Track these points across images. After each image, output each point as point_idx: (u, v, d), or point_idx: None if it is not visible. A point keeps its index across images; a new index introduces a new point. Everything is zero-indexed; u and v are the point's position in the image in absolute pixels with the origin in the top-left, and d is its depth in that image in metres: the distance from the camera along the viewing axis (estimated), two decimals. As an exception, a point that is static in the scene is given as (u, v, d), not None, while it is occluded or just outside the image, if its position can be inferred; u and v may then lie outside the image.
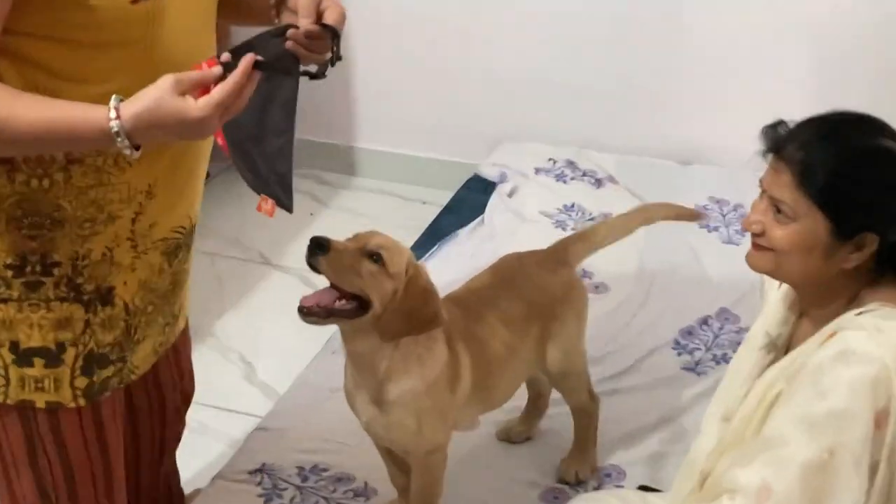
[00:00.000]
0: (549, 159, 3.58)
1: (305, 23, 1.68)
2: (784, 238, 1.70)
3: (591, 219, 3.30)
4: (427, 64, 3.85)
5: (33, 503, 1.93)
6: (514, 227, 3.21)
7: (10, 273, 1.70)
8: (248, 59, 1.55)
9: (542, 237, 2.88)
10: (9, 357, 1.74)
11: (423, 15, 3.78)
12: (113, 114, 1.49)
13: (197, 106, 1.51)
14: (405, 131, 3.99)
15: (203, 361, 2.86)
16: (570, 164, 3.56)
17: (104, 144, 1.55)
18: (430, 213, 3.46)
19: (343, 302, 1.95)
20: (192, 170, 1.84)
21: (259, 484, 2.41)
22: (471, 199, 3.46)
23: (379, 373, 2.03)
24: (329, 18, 1.71)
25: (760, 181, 1.75)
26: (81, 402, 1.80)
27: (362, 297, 1.95)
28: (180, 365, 2.13)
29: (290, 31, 1.66)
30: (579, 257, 2.39)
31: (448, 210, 3.44)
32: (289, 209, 1.82)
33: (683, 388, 2.57)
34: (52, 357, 1.76)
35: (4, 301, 1.72)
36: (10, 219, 1.67)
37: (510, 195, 3.43)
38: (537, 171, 3.53)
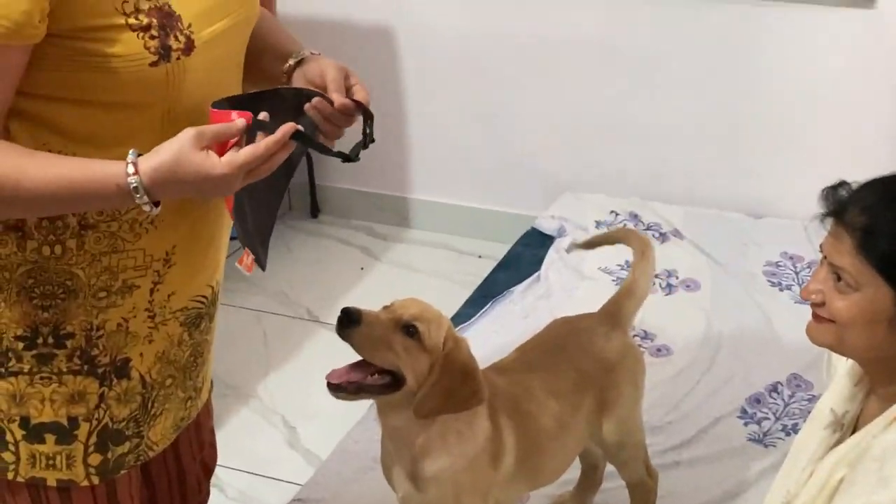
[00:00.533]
0: (611, 212, 3.57)
1: (338, 98, 1.67)
2: (846, 309, 1.66)
3: (657, 277, 3.21)
4: (482, 111, 3.85)
5: None
6: (573, 285, 3.18)
7: (20, 345, 1.68)
8: (287, 128, 1.53)
9: (601, 296, 2.72)
10: (19, 433, 1.72)
11: (478, 62, 3.79)
12: (131, 169, 1.48)
13: (220, 163, 1.50)
14: (460, 182, 3.98)
15: (245, 425, 2.88)
16: (634, 216, 3.54)
17: (122, 202, 1.53)
18: (485, 268, 3.43)
19: (375, 377, 1.91)
20: (214, 235, 1.80)
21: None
22: (527, 253, 3.43)
23: (415, 448, 1.98)
24: (359, 96, 1.71)
25: (820, 247, 1.71)
26: (95, 480, 1.77)
27: (396, 373, 1.91)
28: (201, 437, 2.08)
29: (316, 101, 1.63)
30: (631, 316, 2.35)
31: (503, 265, 3.40)
32: (262, 267, 1.75)
33: (750, 460, 2.51)
34: (65, 433, 1.73)
35: (14, 374, 1.69)
36: (21, 288, 1.66)
37: (569, 251, 3.35)
38: (598, 224, 3.50)
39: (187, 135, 1.49)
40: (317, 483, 2.56)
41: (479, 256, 3.69)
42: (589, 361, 2.21)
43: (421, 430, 1.97)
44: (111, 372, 1.73)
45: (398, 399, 1.92)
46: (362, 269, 3.76)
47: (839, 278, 1.66)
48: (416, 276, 3.64)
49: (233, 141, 1.52)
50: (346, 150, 1.64)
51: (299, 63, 1.77)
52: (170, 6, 1.59)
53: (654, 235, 3.45)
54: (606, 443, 2.25)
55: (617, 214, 3.56)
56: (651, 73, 3.64)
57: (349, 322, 1.84)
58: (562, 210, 3.62)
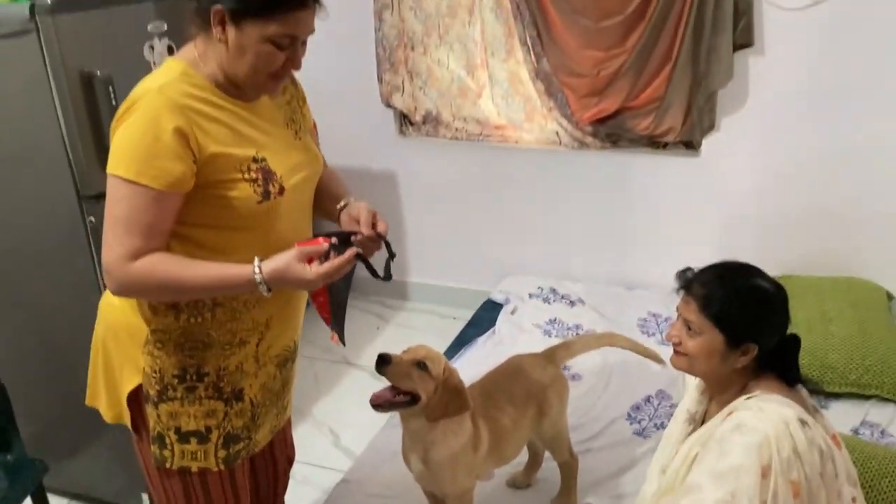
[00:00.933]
0: (539, 287, 3.47)
1: (367, 231, 1.66)
2: (694, 347, 1.66)
3: (569, 329, 3.16)
4: (457, 226, 3.73)
5: None
6: (516, 336, 3.10)
7: (175, 381, 1.66)
8: (352, 252, 1.54)
9: (534, 343, 2.84)
10: (174, 437, 1.69)
11: (454, 193, 3.66)
12: (257, 270, 1.49)
13: (312, 271, 1.49)
14: (442, 269, 3.84)
15: (305, 433, 2.86)
16: (553, 290, 3.44)
17: (248, 289, 1.52)
18: (458, 327, 3.35)
19: (400, 397, 1.89)
20: (297, 308, 1.80)
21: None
22: (486, 316, 3.34)
23: (426, 442, 1.96)
24: (380, 228, 1.69)
25: (677, 308, 1.70)
26: (222, 466, 1.74)
27: (414, 393, 1.89)
28: (286, 440, 2.05)
29: (356, 238, 1.63)
30: (562, 360, 2.33)
31: (471, 324, 3.32)
32: (343, 342, 1.77)
33: (635, 447, 2.47)
34: (203, 437, 1.71)
35: (172, 400, 1.67)
36: (176, 344, 1.64)
37: (512, 313, 3.31)
38: (531, 295, 3.41)
39: (293, 252, 1.50)
40: (356, 469, 2.51)
41: (454, 319, 3.60)
42: (532, 383, 2.19)
43: (430, 429, 1.95)
44: (232, 398, 1.72)
45: (415, 411, 1.91)
46: (377, 328, 3.68)
47: (689, 328, 1.67)
48: (414, 332, 3.59)
49: (319, 259, 1.52)
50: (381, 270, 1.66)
51: (345, 206, 1.76)
52: (268, 165, 1.58)
53: (566, 303, 3.35)
54: (544, 437, 2.23)
55: (542, 289, 3.44)
56: (558, 202, 3.51)
57: (383, 362, 1.84)
58: (507, 286, 3.53)
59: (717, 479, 1.52)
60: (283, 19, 1.46)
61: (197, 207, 1.53)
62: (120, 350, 1.68)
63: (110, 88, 2.09)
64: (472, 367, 2.61)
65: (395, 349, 1.95)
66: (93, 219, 2.16)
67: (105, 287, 1.60)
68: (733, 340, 1.61)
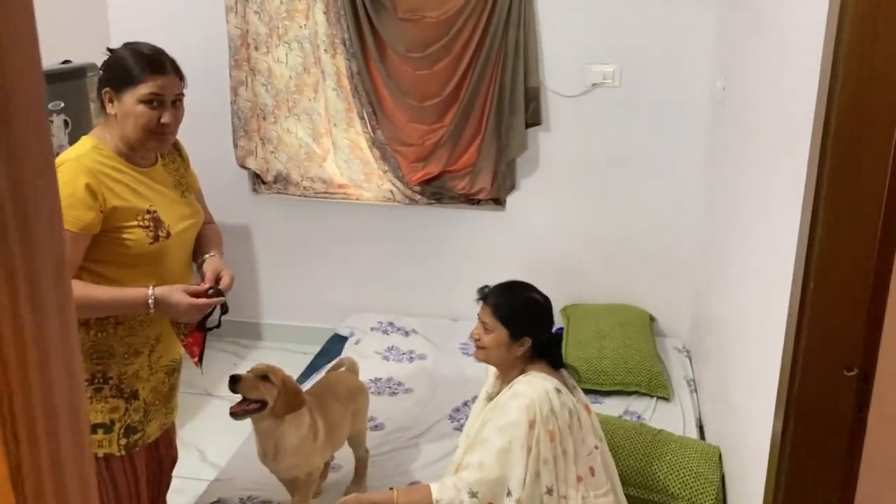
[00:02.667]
0: (379, 322, 3.81)
1: (208, 284, 1.95)
2: (489, 341, 2.11)
3: (403, 354, 3.51)
4: (304, 268, 4.02)
5: None
6: (359, 362, 3.18)
7: (85, 384, 1.88)
8: (219, 299, 1.92)
9: (376, 367, 3.26)
10: None
11: (299, 239, 3.98)
12: (150, 292, 1.81)
13: (186, 301, 1.84)
14: (293, 310, 4.12)
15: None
16: (391, 323, 3.80)
17: (142, 308, 1.82)
18: (308, 360, 3.58)
19: (252, 405, 2.17)
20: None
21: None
22: (333, 348, 3.62)
23: (275, 437, 2.22)
24: (223, 283, 1.97)
25: (478, 315, 2.15)
26: (123, 452, 1.97)
27: (262, 400, 2.16)
28: (171, 442, 2.27)
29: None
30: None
31: (319, 355, 3.58)
32: (201, 368, 2.09)
33: (454, 439, 2.70)
34: (108, 428, 1.94)
35: None
36: (86, 355, 1.89)
37: (356, 343, 3.63)
38: (371, 329, 3.75)
39: (180, 285, 1.86)
40: (226, 471, 2.75)
41: (304, 353, 3.78)
42: (348, 389, 2.52)
43: (277, 426, 2.21)
44: (130, 397, 1.96)
45: (265, 414, 2.19)
46: (234, 364, 3.89)
47: (485, 328, 2.12)
48: None
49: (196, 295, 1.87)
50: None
51: (204, 260, 2.05)
52: (159, 216, 1.90)
53: (402, 334, 3.71)
54: (352, 433, 2.53)
55: (382, 323, 3.80)
56: (394, 250, 3.89)
57: (234, 381, 2.16)
58: (351, 322, 3.84)
59: (500, 432, 2.00)
60: (147, 83, 1.82)
61: (102, 247, 1.83)
62: None
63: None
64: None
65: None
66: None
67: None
68: (515, 335, 2.08)
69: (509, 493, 1.99)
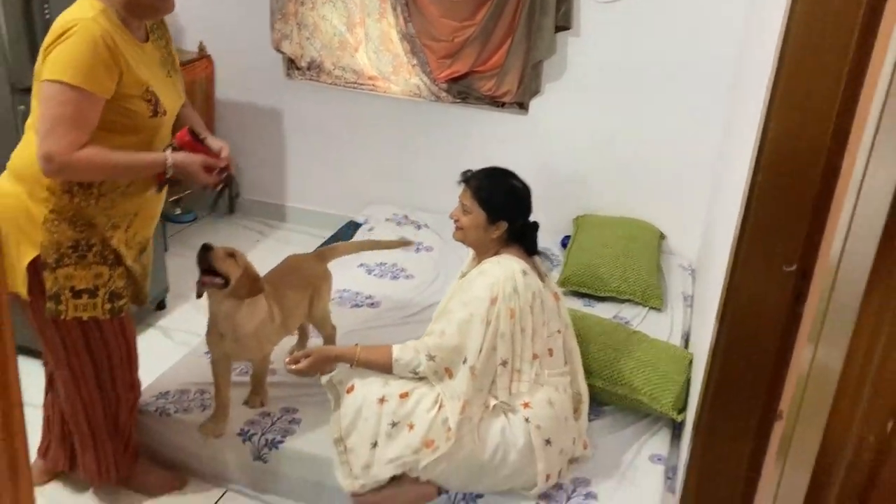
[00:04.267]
0: (394, 213, 3.93)
1: (224, 161, 2.05)
2: (467, 222, 2.22)
3: (419, 244, 3.59)
4: (330, 155, 4.12)
5: (90, 374, 2.13)
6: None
7: (70, 251, 1.96)
8: (229, 169, 2.02)
9: (382, 255, 3.37)
10: (69, 294, 1.97)
11: (328, 127, 4.05)
12: (169, 158, 1.91)
13: (202, 158, 1.94)
14: (316, 196, 4.24)
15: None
16: (405, 216, 3.92)
17: (160, 168, 1.91)
18: (320, 242, 3.65)
19: (217, 279, 2.21)
20: (155, 209, 2.15)
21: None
22: (347, 232, 3.77)
23: (234, 320, 2.28)
24: (223, 155, 2.05)
25: (459, 196, 2.25)
26: (109, 316, 2.06)
27: (226, 278, 2.20)
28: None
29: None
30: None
31: (333, 237, 3.70)
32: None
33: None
34: (92, 293, 2.01)
35: (67, 265, 1.95)
36: (70, 223, 1.95)
37: (369, 231, 3.75)
38: (386, 220, 3.87)
39: (200, 156, 1.95)
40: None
41: (323, 237, 3.85)
42: (307, 276, 2.57)
43: (237, 309, 2.27)
44: (114, 263, 2.04)
45: (226, 293, 2.23)
46: (257, 241, 4.09)
47: (465, 209, 2.22)
48: (288, 247, 3.75)
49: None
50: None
51: (204, 138, 2.07)
52: (156, 94, 1.94)
53: (413, 226, 3.82)
54: (315, 316, 2.61)
55: (396, 215, 3.91)
56: (416, 145, 3.92)
57: (206, 249, 2.20)
58: (368, 212, 3.98)
59: (463, 305, 2.16)
60: None
61: (106, 115, 1.86)
62: (16, 229, 1.94)
63: (45, 4, 2.61)
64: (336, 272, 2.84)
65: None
66: (23, 107, 2.66)
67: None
68: (491, 217, 2.19)
69: (465, 361, 2.14)
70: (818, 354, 0.97)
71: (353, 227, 3.93)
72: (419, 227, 3.92)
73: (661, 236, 3.79)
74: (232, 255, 2.25)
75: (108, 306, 2.05)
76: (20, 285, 1.98)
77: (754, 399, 1.83)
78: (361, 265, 3.48)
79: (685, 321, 3.23)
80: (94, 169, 1.84)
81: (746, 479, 1.89)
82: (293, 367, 2.22)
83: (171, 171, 1.91)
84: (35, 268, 1.97)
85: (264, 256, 3.18)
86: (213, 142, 2.07)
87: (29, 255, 1.95)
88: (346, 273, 3.25)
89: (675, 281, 3.53)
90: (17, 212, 1.95)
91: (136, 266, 2.11)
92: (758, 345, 1.77)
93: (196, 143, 1.98)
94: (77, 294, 1.99)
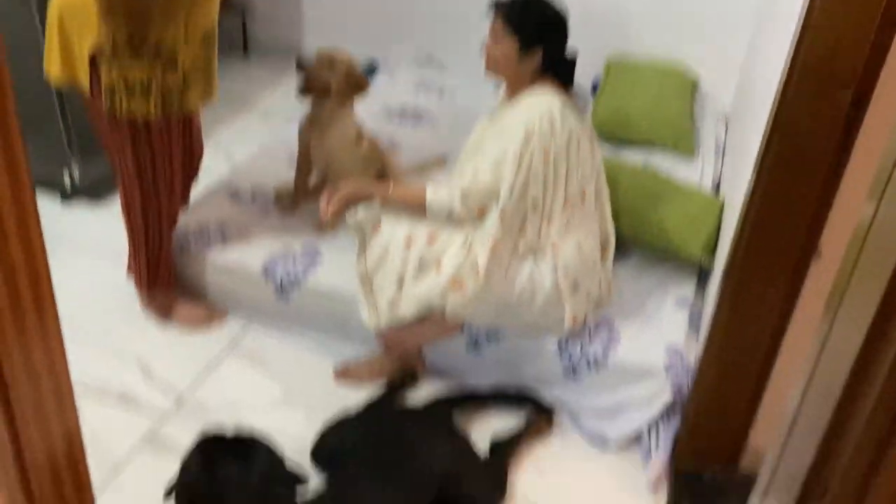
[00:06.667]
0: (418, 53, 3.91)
1: None
2: (498, 51, 2.07)
3: (434, 87, 3.54)
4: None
5: (134, 173, 2.18)
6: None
7: (124, 44, 1.96)
8: None
9: (404, 96, 3.37)
10: (123, 88, 1.99)
11: None
12: None
13: None
14: (335, 33, 4.07)
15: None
16: (429, 55, 3.83)
17: None
18: None
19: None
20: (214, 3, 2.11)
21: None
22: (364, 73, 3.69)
23: (327, 120, 2.43)
24: None
25: (490, 26, 2.07)
26: (160, 113, 2.06)
27: (326, 87, 2.34)
28: (199, 130, 2.37)
29: None
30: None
31: None
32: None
33: None
34: (145, 88, 2.01)
35: (122, 57, 1.96)
36: (124, 15, 1.93)
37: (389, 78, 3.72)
38: (409, 60, 3.84)
39: None
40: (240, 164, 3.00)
41: None
42: (383, 156, 2.62)
43: (333, 112, 2.43)
44: (168, 63, 2.02)
45: (328, 100, 2.40)
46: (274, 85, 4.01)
47: (496, 38, 2.05)
48: None
49: None
50: None
51: None
52: None
53: (438, 68, 3.75)
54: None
55: (420, 55, 3.86)
56: None
57: (301, 65, 2.35)
58: (388, 51, 3.87)
59: (497, 143, 2.06)
60: None
61: None
62: (76, 22, 1.97)
63: None
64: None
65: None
66: None
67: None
68: (524, 45, 2.03)
69: (497, 200, 2.06)
70: (881, 209, 0.91)
71: (372, 67, 3.86)
72: (444, 67, 3.81)
73: (695, 85, 3.64)
74: (330, 62, 2.35)
75: (159, 105, 2.05)
76: (83, 77, 2.04)
77: (793, 240, 1.77)
78: (382, 108, 3.42)
79: (715, 169, 3.14)
80: None
81: (778, 321, 1.87)
82: (330, 208, 2.17)
83: None
84: (94, 63, 2.01)
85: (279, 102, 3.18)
86: None
87: (90, 46, 1.98)
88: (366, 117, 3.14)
89: (709, 129, 3.40)
90: (76, 4, 1.97)
91: (197, 60, 2.09)
92: (803, 178, 1.69)
93: None
94: (130, 89, 2.01)
